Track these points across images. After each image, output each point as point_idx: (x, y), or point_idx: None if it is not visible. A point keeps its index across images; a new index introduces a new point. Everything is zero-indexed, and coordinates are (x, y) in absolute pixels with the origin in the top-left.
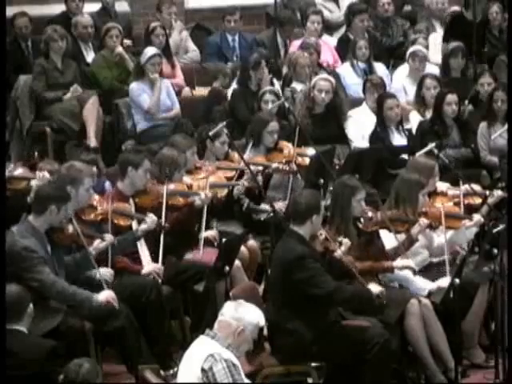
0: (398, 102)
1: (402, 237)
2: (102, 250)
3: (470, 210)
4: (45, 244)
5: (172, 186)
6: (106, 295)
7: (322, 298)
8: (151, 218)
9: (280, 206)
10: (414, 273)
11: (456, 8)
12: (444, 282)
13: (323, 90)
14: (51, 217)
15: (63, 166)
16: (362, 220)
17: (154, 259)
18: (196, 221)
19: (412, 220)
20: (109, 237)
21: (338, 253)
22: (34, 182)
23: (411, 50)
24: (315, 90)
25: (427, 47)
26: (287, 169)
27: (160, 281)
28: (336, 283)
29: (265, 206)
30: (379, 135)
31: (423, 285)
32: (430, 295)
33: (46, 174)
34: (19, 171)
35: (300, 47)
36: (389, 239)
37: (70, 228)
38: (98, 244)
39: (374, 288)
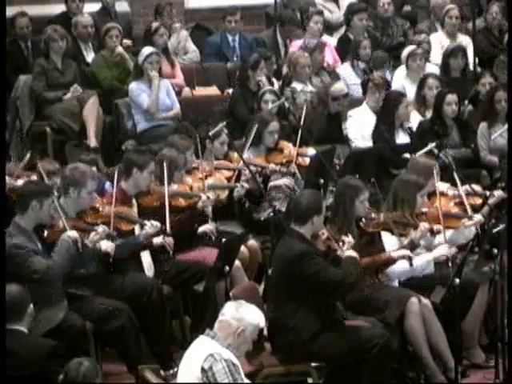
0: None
1: (403, 239)
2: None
3: (471, 210)
4: (34, 242)
5: (174, 187)
6: (72, 233)
7: (333, 289)
8: (154, 224)
9: (285, 181)
10: (411, 263)
11: (451, 5)
12: (442, 249)
13: (342, 105)
14: (34, 213)
15: (67, 168)
16: (363, 220)
17: (155, 260)
18: (198, 221)
19: (413, 224)
20: (102, 227)
21: (340, 252)
22: None
23: (408, 50)
24: (336, 102)
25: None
26: (284, 170)
27: (160, 279)
28: (341, 272)
29: (264, 206)
30: (383, 134)
31: (423, 259)
32: (429, 295)
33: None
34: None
35: (301, 48)
36: (390, 241)
37: (61, 224)
38: (93, 237)
39: (352, 253)
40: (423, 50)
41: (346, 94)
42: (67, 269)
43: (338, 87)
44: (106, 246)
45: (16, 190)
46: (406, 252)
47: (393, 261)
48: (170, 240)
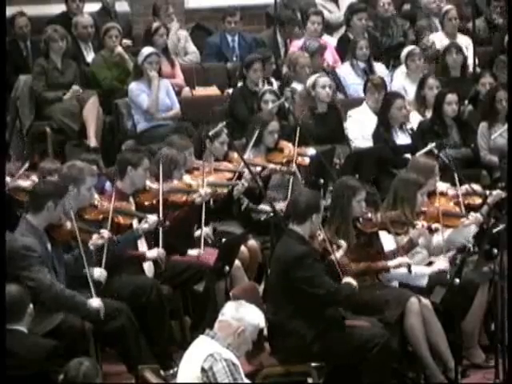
0: (405, 102)
1: (401, 238)
2: (100, 249)
3: (470, 210)
4: (44, 242)
5: (172, 184)
6: (98, 302)
7: (323, 297)
8: (152, 217)
9: (281, 206)
10: (409, 270)
11: (449, 6)
12: (441, 263)
13: (326, 86)
14: (49, 213)
15: (65, 165)
16: (361, 220)
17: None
18: (196, 219)
19: (411, 222)
20: (106, 233)
21: (335, 255)
22: None
23: (407, 50)
24: (318, 87)
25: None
26: (285, 170)
27: (160, 279)
28: (334, 285)
29: (265, 207)
30: (382, 135)
31: (422, 271)
32: (429, 295)
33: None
34: (27, 183)
35: (302, 48)
36: (388, 241)
37: (69, 224)
38: (96, 240)
39: (351, 280)
40: (421, 51)
41: (326, 76)
42: (62, 298)
43: (315, 76)
44: (99, 274)
45: (16, 189)
46: (404, 260)
47: (388, 269)
48: (162, 252)
